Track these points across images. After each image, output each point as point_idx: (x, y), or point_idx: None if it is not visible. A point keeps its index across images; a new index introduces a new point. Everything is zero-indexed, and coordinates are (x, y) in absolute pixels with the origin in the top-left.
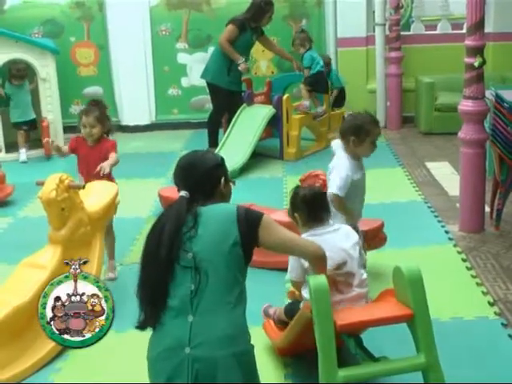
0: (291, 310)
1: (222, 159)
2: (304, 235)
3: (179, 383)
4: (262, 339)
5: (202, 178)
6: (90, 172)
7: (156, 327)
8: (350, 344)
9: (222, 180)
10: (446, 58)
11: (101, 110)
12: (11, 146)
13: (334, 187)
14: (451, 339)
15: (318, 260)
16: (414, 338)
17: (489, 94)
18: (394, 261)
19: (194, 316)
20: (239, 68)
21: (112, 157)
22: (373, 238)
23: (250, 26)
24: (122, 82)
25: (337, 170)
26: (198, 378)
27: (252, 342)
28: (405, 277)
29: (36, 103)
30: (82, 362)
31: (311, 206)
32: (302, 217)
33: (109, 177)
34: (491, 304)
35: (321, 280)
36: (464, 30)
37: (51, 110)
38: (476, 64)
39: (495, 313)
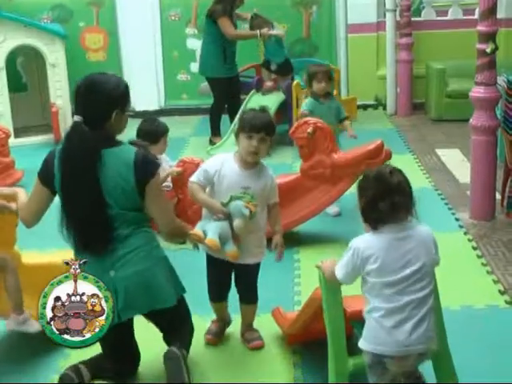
0: None
1: (127, 87)
2: None
3: None
4: (270, 328)
5: (98, 103)
6: None
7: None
8: (360, 332)
9: (115, 113)
10: (456, 44)
11: None
12: (20, 131)
13: None
14: (461, 328)
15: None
16: None
17: (501, 80)
18: None
19: (113, 244)
20: (263, 36)
21: None
22: (377, 156)
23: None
24: (132, 68)
25: None
26: (129, 293)
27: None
28: None
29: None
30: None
31: None
32: None
33: None
34: (502, 292)
35: None
36: (475, 16)
37: (60, 96)
38: (488, 50)
39: (506, 301)
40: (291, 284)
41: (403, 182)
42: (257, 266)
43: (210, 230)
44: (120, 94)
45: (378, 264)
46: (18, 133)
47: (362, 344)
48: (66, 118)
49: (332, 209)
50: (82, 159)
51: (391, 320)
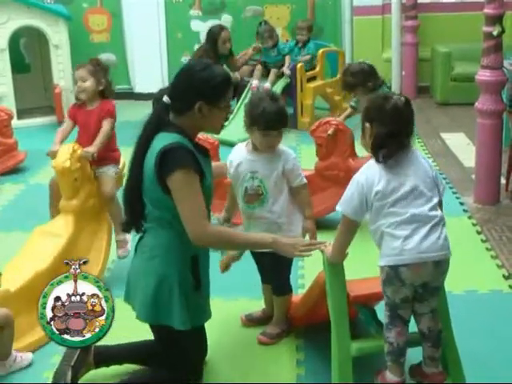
0: None
1: (225, 82)
2: None
3: None
4: None
5: (182, 89)
6: (90, 142)
7: None
8: (364, 316)
9: (199, 103)
10: (463, 27)
11: (96, 65)
12: (23, 113)
13: None
14: (465, 312)
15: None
16: None
17: (507, 63)
18: None
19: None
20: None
21: (102, 131)
22: None
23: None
24: (135, 49)
25: None
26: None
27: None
28: None
29: (48, 70)
30: None
31: None
32: None
33: (110, 149)
34: (506, 277)
35: None
36: None
37: (63, 77)
38: (495, 33)
39: (510, 286)
40: (295, 267)
41: (411, 112)
42: (278, 257)
43: None
44: (210, 86)
45: (382, 184)
46: (21, 114)
47: (379, 263)
48: (69, 100)
49: None
50: (138, 140)
51: (404, 230)
